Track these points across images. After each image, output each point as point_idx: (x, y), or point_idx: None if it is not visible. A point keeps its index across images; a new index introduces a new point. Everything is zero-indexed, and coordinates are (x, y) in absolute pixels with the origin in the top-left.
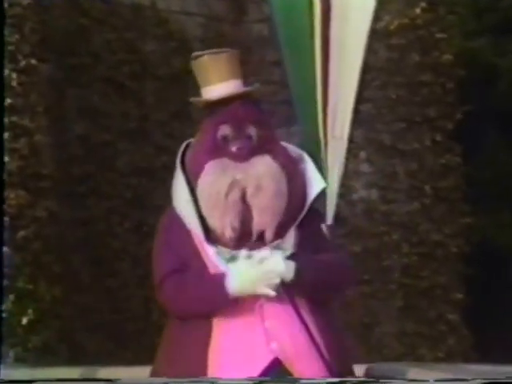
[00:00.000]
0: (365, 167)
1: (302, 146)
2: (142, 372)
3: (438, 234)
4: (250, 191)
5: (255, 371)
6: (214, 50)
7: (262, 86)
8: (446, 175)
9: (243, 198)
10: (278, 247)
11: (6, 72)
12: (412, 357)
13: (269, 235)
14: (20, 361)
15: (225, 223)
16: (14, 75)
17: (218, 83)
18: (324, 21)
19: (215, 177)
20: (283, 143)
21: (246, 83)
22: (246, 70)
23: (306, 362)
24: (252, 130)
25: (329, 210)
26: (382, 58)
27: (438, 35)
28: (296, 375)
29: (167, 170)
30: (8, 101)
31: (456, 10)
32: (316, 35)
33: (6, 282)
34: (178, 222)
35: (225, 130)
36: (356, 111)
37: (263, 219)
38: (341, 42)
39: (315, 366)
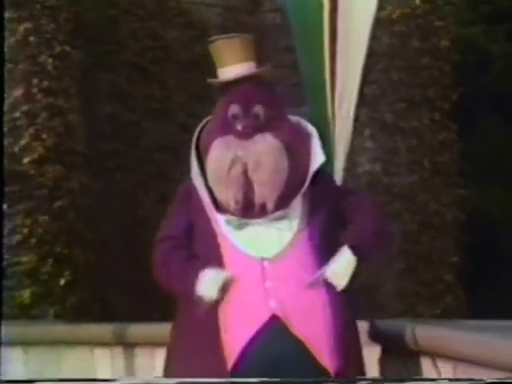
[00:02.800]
0: (369, 143)
1: (313, 125)
2: (165, 328)
3: (435, 204)
4: (250, 167)
5: (254, 327)
6: (229, 35)
7: (274, 69)
8: (442, 151)
9: (245, 173)
10: (280, 217)
11: (43, 58)
12: (412, 314)
13: (270, 207)
14: (59, 317)
15: (228, 196)
16: (50, 60)
17: (232, 65)
18: (332, 10)
19: (220, 153)
20: (295, 120)
21: (258, 65)
22: (260, 54)
23: (304, 320)
24: (259, 110)
25: None
26: (385, 44)
27: (436, 23)
28: (294, 332)
29: (188, 146)
30: (45, 83)
31: (452, 0)
32: (324, 23)
33: (45, 248)
34: (193, 192)
35: (234, 109)
36: (361, 93)
37: (263, 192)
38: (347, 29)
39: (314, 324)
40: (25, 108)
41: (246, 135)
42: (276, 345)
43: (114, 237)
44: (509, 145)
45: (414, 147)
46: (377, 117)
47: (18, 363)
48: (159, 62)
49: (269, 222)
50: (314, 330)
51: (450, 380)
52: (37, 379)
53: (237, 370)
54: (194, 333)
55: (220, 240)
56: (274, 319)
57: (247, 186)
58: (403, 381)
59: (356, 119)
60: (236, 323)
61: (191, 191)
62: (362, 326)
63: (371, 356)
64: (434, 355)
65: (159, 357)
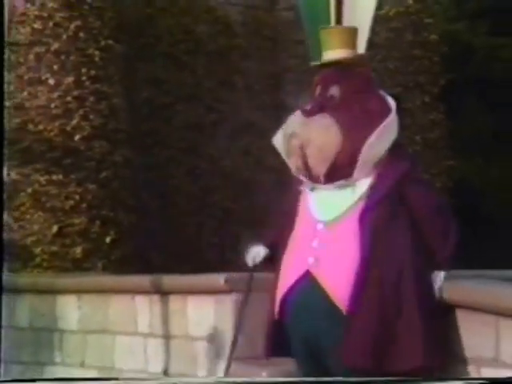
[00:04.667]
0: None
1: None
2: (195, 279)
3: (427, 174)
4: (304, 142)
5: (292, 279)
6: (336, 26)
7: (361, 56)
8: (432, 128)
9: (302, 146)
10: (344, 185)
11: (91, 50)
12: None
13: (322, 177)
14: (106, 270)
15: (291, 164)
16: (97, 52)
17: (331, 50)
18: (337, 7)
19: (286, 126)
20: (377, 99)
21: (354, 53)
22: (275, 47)
23: (335, 281)
24: (335, 91)
25: None
26: (383, 38)
27: (427, 20)
28: (324, 288)
29: (215, 125)
30: (92, 72)
31: (440, 0)
32: (331, 19)
33: (94, 211)
34: None
35: (317, 89)
36: None
37: (314, 164)
38: (350, 24)
39: (339, 276)
40: (75, 93)
41: (310, 113)
42: (307, 296)
43: (151, 202)
44: (488, 123)
45: (408, 125)
46: None
47: (73, 309)
48: (190, 52)
49: (334, 188)
50: (339, 282)
51: (449, 380)
52: (37, 379)
53: (281, 316)
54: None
55: (300, 198)
56: (308, 274)
57: (304, 157)
58: (405, 381)
59: None
60: (284, 275)
61: None
62: None
63: None
64: None
65: (190, 303)
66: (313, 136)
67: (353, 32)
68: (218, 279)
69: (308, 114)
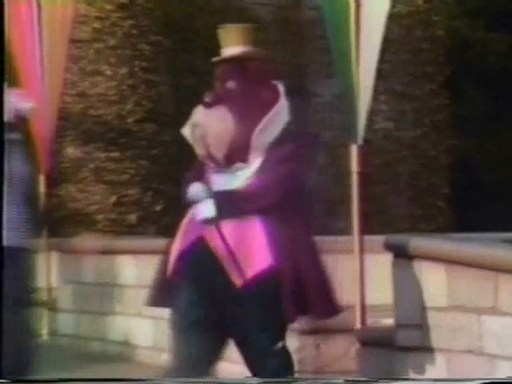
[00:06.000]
0: (383, 107)
1: (342, 93)
2: None
3: (433, 151)
4: (204, 132)
5: (187, 243)
6: (234, 25)
7: (260, 52)
8: (438, 111)
9: (203, 136)
10: (240, 168)
11: (142, 45)
12: (414, 230)
13: (221, 162)
14: (157, 234)
15: (197, 151)
16: (147, 47)
17: (228, 47)
18: (356, 7)
19: (191, 118)
20: (270, 88)
21: (252, 49)
22: (301, 41)
23: (223, 241)
24: (232, 84)
25: (359, 136)
26: (396, 33)
27: (434, 18)
28: (214, 250)
29: None
30: (143, 64)
31: (446, 1)
32: (351, 17)
33: (145, 184)
34: None
35: (216, 83)
36: (378, 69)
37: (214, 152)
38: (368, 22)
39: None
40: (129, 82)
41: (209, 105)
42: (200, 257)
43: None
44: (486, 106)
45: (418, 109)
46: (389, 87)
47: (130, 267)
48: None
49: (232, 171)
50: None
51: (450, 380)
52: (37, 379)
53: (175, 273)
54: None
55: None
56: (201, 238)
57: (206, 146)
58: (407, 380)
59: (375, 89)
60: (180, 238)
61: None
62: (379, 240)
63: (386, 260)
64: (430, 259)
65: None
66: (211, 126)
67: (249, 30)
68: None
69: (208, 106)
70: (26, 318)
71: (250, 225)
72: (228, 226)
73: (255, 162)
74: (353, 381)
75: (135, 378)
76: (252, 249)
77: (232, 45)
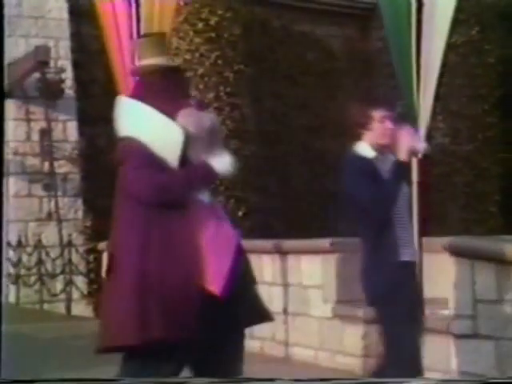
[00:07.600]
0: (441, 124)
1: (405, 112)
2: (308, 243)
3: (485, 163)
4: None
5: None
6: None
7: (169, 62)
8: (490, 128)
9: None
10: None
11: (227, 73)
12: (468, 233)
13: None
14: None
15: None
16: (231, 75)
17: (145, 59)
18: (417, 38)
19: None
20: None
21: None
22: (368, 68)
23: None
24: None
25: (421, 150)
26: (453, 60)
27: (486, 47)
28: None
29: (321, 127)
30: (228, 89)
31: (496, 31)
32: (412, 48)
33: (228, 192)
34: None
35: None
36: (437, 91)
37: None
38: (428, 54)
39: None
40: (215, 105)
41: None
42: None
43: (273, 185)
44: None
45: (471, 126)
46: (446, 107)
47: None
48: (302, 73)
49: None
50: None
51: (450, 381)
52: (36, 379)
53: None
54: None
55: None
56: None
57: None
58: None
59: (433, 109)
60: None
61: None
62: (437, 241)
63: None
64: (482, 258)
65: (303, 261)
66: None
67: (162, 41)
68: (325, 242)
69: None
70: None
71: None
72: None
73: None
74: (356, 381)
75: (135, 378)
76: None
77: (148, 57)
